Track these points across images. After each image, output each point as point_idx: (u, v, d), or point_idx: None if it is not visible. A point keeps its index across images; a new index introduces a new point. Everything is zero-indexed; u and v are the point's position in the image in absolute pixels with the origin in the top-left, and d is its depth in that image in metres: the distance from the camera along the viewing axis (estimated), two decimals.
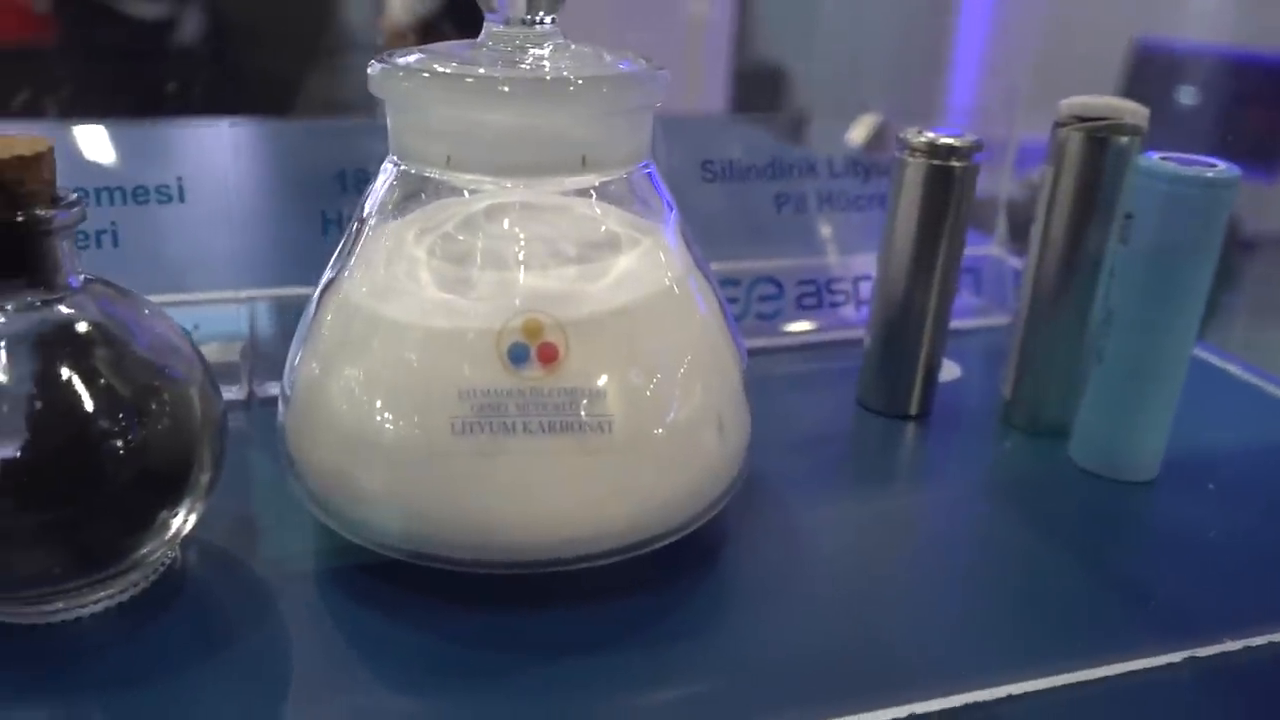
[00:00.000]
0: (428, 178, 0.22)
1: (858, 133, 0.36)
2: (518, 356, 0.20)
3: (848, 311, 0.35)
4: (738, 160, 0.34)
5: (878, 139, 0.36)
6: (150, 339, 0.20)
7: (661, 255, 0.23)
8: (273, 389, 0.30)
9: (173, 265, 0.30)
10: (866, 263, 0.35)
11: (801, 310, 0.35)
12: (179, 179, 0.30)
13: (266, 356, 0.31)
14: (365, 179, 0.32)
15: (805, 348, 0.35)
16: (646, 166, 0.23)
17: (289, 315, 0.31)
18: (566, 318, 0.20)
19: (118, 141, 0.31)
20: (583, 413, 0.20)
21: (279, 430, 0.24)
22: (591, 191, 0.22)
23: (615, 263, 0.22)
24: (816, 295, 0.35)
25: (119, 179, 0.29)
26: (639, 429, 0.21)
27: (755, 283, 0.34)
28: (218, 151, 0.31)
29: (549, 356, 0.20)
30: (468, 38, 0.23)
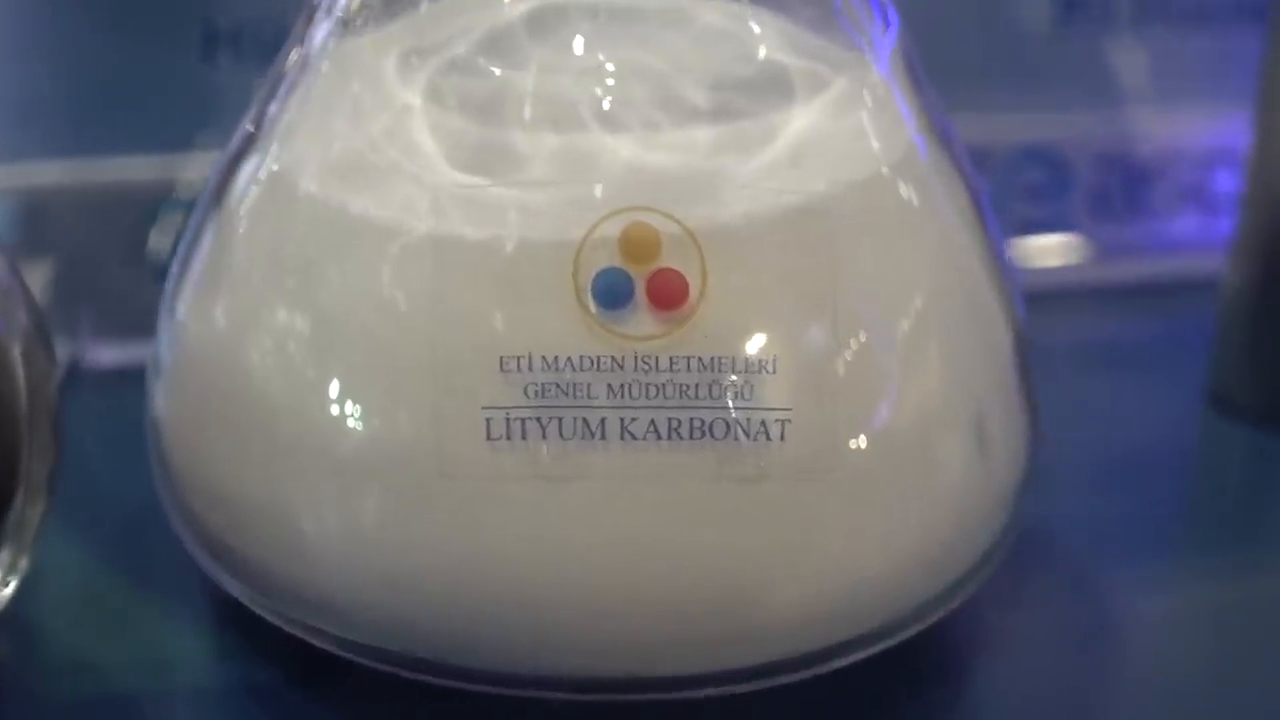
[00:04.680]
0: None
1: None
2: (613, 295, 0.20)
3: (1185, 224, 0.36)
4: None
5: None
6: None
7: (870, 109, 0.23)
8: (112, 353, 0.31)
9: None
10: (1227, 131, 0.35)
11: (1099, 217, 0.35)
12: None
13: (93, 290, 0.32)
14: None
15: (1106, 290, 0.35)
16: None
17: (131, 211, 0.32)
18: (701, 222, 0.21)
19: None
20: (730, 403, 0.20)
21: (149, 430, 0.25)
22: None
23: (785, 121, 0.22)
24: (1126, 190, 0.35)
25: None
26: (831, 438, 0.21)
27: (1014, 161, 0.35)
28: None
29: (671, 296, 0.20)
30: None
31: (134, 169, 0.32)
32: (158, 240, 0.32)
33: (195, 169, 0.32)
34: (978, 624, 0.25)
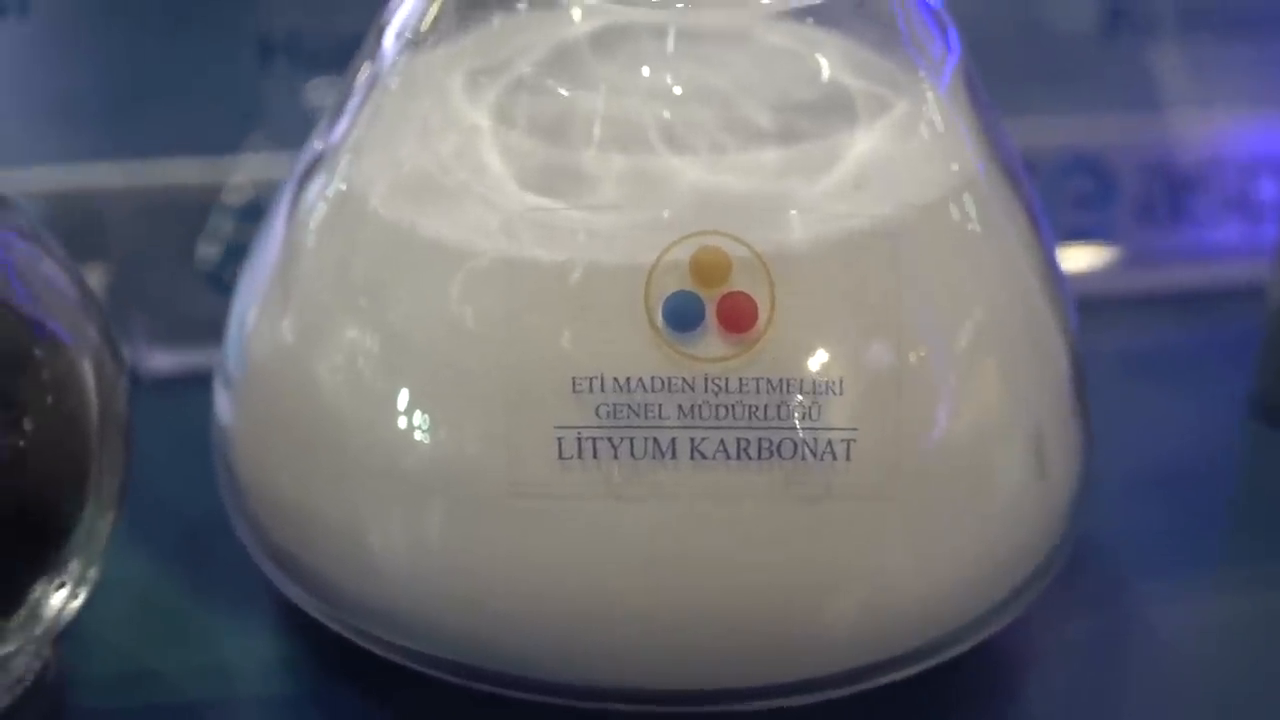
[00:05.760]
0: None
1: None
2: (684, 318, 0.21)
3: (1230, 232, 0.35)
4: None
5: None
6: (27, 275, 0.21)
7: (932, 132, 0.23)
8: (166, 359, 0.31)
9: None
10: (1273, 138, 0.35)
11: (1143, 224, 0.35)
12: None
13: (147, 294, 0.32)
14: None
15: (1150, 298, 0.35)
16: None
17: (184, 215, 0.32)
18: (769, 246, 0.21)
19: None
20: (798, 424, 0.21)
21: (215, 438, 0.25)
22: (807, 14, 0.23)
23: (849, 144, 0.22)
24: (1171, 197, 0.35)
25: None
26: (896, 457, 0.21)
27: (1058, 168, 0.35)
28: None
29: (741, 319, 0.21)
30: None
31: (187, 172, 0.32)
32: (207, 246, 0.32)
33: (248, 173, 0.32)
34: (1025, 635, 0.25)
